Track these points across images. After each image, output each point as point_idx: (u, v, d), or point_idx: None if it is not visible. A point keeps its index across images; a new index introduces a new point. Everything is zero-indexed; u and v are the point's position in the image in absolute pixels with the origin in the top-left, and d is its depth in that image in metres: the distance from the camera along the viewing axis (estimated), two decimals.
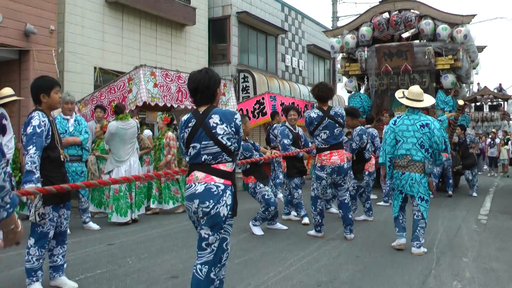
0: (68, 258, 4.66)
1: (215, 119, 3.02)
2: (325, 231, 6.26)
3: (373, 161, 7.72)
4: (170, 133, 8.25)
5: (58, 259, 3.98)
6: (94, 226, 6.66)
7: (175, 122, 10.05)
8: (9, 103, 5.90)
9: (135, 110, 8.92)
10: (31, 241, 3.79)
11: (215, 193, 2.95)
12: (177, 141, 8.78)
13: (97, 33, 12.81)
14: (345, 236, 6.07)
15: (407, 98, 5.52)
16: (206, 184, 2.97)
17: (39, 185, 3.57)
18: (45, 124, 3.78)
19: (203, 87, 3.06)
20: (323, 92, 5.92)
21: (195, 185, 3.00)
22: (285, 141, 7.02)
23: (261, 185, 6.24)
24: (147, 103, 8.85)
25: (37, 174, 3.58)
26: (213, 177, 2.98)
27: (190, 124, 3.08)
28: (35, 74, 9.06)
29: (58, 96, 3.96)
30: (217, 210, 2.94)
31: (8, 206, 1.80)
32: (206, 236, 2.97)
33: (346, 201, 6.02)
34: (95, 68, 12.54)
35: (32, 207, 3.72)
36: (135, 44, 14.08)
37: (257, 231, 6.34)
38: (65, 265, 4.08)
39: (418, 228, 5.30)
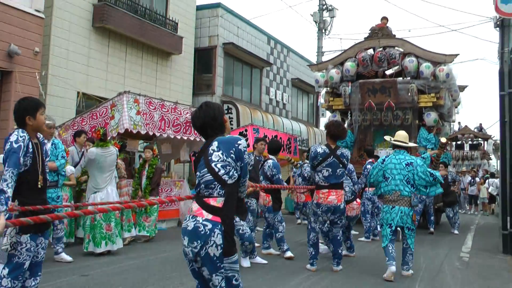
0: None
1: (213, 146, 2.89)
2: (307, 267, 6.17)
3: (353, 204, 7.38)
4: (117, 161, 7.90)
5: None
6: (66, 257, 6.33)
7: (127, 148, 9.85)
8: None
9: (116, 136, 8.76)
10: (5, 271, 3.48)
11: (202, 232, 2.77)
12: (125, 169, 8.58)
13: (82, 57, 12.69)
14: (332, 268, 6.18)
15: (395, 140, 6.26)
16: (195, 221, 2.81)
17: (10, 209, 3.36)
18: (23, 139, 3.48)
19: (210, 120, 2.95)
20: (338, 132, 6.04)
21: (188, 219, 2.86)
22: (280, 176, 6.98)
23: (237, 219, 6.00)
24: (129, 130, 8.71)
25: (8, 194, 3.26)
26: (203, 211, 2.83)
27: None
28: (17, 96, 8.88)
29: (43, 118, 3.75)
30: (206, 251, 2.76)
31: None
32: (209, 277, 2.80)
33: (338, 238, 6.17)
34: (78, 93, 12.36)
35: (6, 235, 3.42)
36: (120, 70, 13.99)
37: (243, 263, 6.31)
38: None
39: (407, 255, 6.00)
